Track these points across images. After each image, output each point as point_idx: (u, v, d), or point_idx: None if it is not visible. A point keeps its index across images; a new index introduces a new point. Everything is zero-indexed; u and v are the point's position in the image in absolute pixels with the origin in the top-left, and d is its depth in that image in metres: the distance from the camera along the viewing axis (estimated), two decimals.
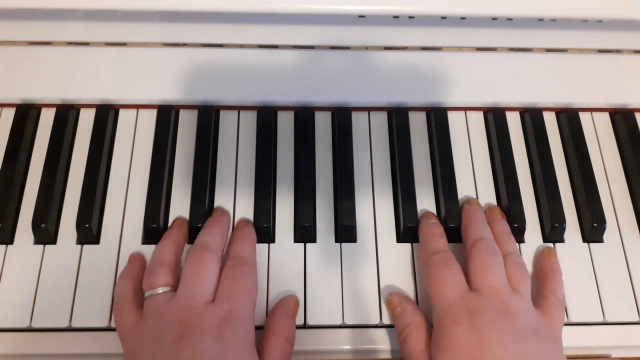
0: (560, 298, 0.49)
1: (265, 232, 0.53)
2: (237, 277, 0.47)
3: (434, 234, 0.51)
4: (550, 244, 0.54)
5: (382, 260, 0.52)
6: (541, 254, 0.53)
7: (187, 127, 0.58)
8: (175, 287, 0.47)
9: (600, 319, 0.51)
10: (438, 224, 0.53)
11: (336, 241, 0.53)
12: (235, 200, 0.55)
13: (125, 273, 0.50)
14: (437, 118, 0.59)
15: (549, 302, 0.49)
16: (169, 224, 0.53)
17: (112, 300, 0.50)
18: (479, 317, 0.44)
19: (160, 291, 0.46)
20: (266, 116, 0.58)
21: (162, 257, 0.49)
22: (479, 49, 0.60)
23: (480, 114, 0.60)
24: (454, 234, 0.53)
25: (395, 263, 0.52)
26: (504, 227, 0.53)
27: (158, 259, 0.49)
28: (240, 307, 0.46)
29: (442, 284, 0.47)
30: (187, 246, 0.52)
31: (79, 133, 0.57)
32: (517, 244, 0.53)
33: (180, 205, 0.54)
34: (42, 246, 0.52)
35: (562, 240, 0.54)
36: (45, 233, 0.51)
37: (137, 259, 0.51)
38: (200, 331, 0.43)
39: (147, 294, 0.47)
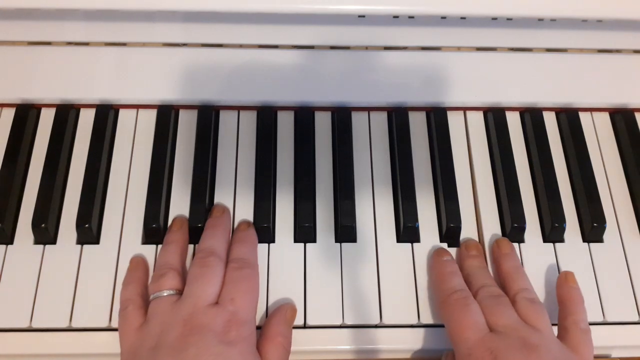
0: (583, 328, 0.47)
1: (265, 232, 0.53)
2: (240, 280, 0.47)
3: (448, 273, 0.50)
4: (551, 244, 0.54)
5: (382, 260, 0.52)
6: (559, 280, 0.51)
7: (187, 127, 0.58)
8: (181, 292, 0.47)
9: (600, 319, 0.51)
10: (451, 261, 0.51)
11: (336, 241, 0.53)
12: (235, 200, 0.55)
13: (129, 279, 0.50)
14: (437, 118, 0.59)
15: (573, 335, 0.47)
16: (169, 223, 0.53)
17: (112, 300, 0.50)
18: (502, 357, 0.43)
19: (166, 294, 0.47)
20: (266, 116, 0.58)
21: (169, 261, 0.49)
22: (479, 49, 0.60)
23: (480, 114, 0.60)
24: (454, 234, 0.53)
25: (395, 263, 0.52)
26: (513, 261, 0.52)
27: (165, 263, 0.49)
28: (244, 309, 0.46)
29: (463, 327, 0.46)
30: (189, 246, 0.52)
31: (79, 133, 0.57)
32: (529, 280, 0.51)
33: (180, 205, 0.54)
34: (42, 246, 0.52)
35: (562, 240, 0.54)
36: (45, 233, 0.51)
37: (139, 264, 0.51)
38: (206, 331, 0.43)
39: (152, 296, 0.47)
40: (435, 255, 0.52)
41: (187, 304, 0.45)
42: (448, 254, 0.52)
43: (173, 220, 0.53)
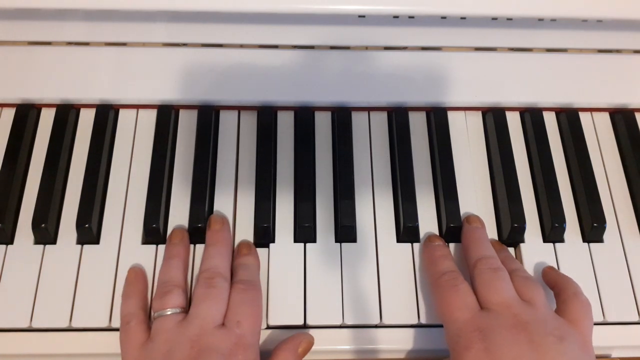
0: (582, 300, 0.47)
1: (265, 232, 0.53)
2: (246, 303, 0.47)
3: (439, 256, 0.50)
4: (551, 244, 0.54)
5: (382, 260, 0.52)
6: (543, 272, 0.51)
7: (187, 127, 0.58)
8: (185, 310, 0.47)
9: (600, 319, 0.51)
10: (442, 246, 0.52)
11: (336, 241, 0.53)
12: (236, 200, 0.55)
13: (129, 292, 0.49)
14: (437, 118, 0.59)
15: (570, 306, 0.46)
16: (169, 224, 0.53)
17: (112, 300, 0.50)
18: (490, 337, 0.43)
19: (170, 312, 0.46)
20: (266, 116, 0.58)
21: (172, 278, 0.49)
22: (479, 49, 0.60)
23: (481, 114, 0.60)
24: (455, 235, 0.53)
25: (395, 263, 0.52)
26: (505, 252, 0.52)
27: (169, 280, 0.48)
28: (250, 332, 0.46)
29: (452, 307, 0.46)
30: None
31: (79, 133, 0.57)
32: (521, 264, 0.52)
33: (180, 205, 0.54)
34: (42, 246, 0.52)
35: (562, 240, 0.54)
36: (45, 233, 0.51)
37: (138, 275, 0.50)
38: (214, 354, 0.43)
39: (156, 314, 0.47)
40: (427, 241, 0.52)
41: (194, 325, 0.45)
42: (439, 240, 0.52)
43: (172, 232, 0.52)
